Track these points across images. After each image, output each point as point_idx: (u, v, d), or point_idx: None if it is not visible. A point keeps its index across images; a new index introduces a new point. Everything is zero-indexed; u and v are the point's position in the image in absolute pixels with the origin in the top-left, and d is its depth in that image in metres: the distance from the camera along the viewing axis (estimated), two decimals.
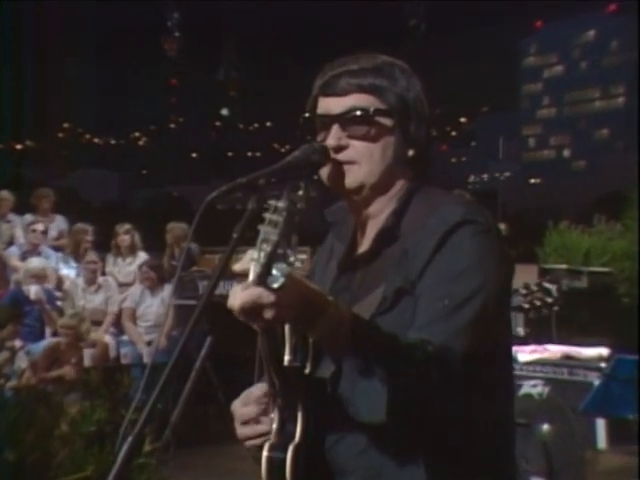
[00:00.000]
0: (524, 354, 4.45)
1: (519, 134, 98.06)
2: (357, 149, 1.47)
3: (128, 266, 7.12)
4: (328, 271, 1.59)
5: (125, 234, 7.15)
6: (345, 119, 1.47)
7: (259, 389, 1.47)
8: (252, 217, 1.26)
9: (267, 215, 1.19)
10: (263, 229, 1.18)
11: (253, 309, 1.21)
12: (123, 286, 6.95)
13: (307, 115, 1.52)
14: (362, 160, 1.47)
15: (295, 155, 1.42)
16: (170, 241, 7.21)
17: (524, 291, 4.34)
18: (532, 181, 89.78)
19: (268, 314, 1.21)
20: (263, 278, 1.16)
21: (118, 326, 6.60)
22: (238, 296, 1.20)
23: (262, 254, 1.16)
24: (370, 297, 1.43)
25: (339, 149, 1.47)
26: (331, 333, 1.27)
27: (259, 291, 1.18)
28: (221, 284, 1.30)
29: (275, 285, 1.15)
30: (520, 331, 4.48)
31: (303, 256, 6.16)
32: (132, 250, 7.13)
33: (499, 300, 1.41)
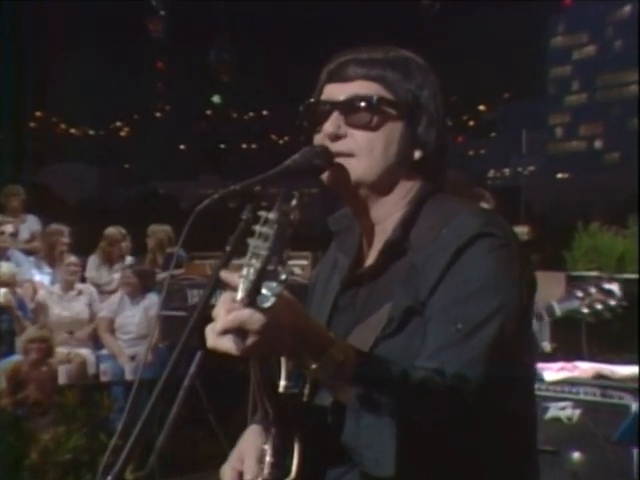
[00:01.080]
0: (551, 372, 4.42)
1: (545, 123, 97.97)
2: (357, 140, 1.49)
3: (113, 274, 7.13)
4: (330, 286, 1.60)
5: (120, 241, 7.15)
6: (346, 106, 1.49)
7: (249, 444, 1.45)
8: (247, 228, 1.27)
9: (257, 227, 1.19)
10: (252, 243, 1.18)
11: (237, 333, 1.21)
12: (104, 294, 6.96)
13: (311, 101, 1.54)
14: (361, 153, 1.48)
15: (295, 159, 1.43)
16: (152, 246, 7.22)
17: (580, 294, 4.28)
18: (559, 176, 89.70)
19: (250, 341, 1.21)
20: (251, 297, 1.16)
21: (97, 339, 6.60)
22: (221, 317, 1.20)
23: (251, 270, 1.16)
24: (375, 317, 1.44)
25: (336, 138, 1.49)
26: (332, 375, 1.28)
27: (246, 313, 1.18)
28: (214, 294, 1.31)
29: (265, 305, 1.16)
30: (546, 346, 4.45)
31: (303, 262, 6.17)
32: (122, 258, 7.14)
33: (519, 321, 1.41)
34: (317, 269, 1.73)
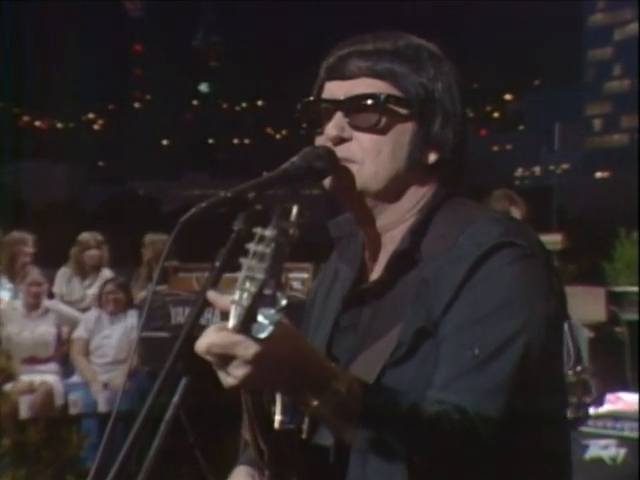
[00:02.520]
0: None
1: (581, 114, 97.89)
2: (362, 143, 1.50)
3: (87, 289, 7.13)
4: (331, 301, 1.60)
5: (96, 248, 7.13)
6: (350, 106, 1.50)
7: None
8: (239, 240, 1.28)
9: (251, 246, 1.20)
10: (247, 263, 1.18)
11: (222, 359, 1.22)
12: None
13: (310, 99, 1.55)
14: (366, 158, 1.49)
15: (294, 162, 1.43)
16: (149, 257, 7.21)
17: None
18: (598, 175, 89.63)
19: (240, 371, 1.22)
20: (246, 325, 1.16)
21: (66, 364, 6.60)
22: (209, 336, 1.21)
23: (245, 295, 1.16)
24: (382, 341, 1.44)
25: (340, 141, 1.50)
26: (334, 411, 1.28)
27: (236, 338, 1.19)
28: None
29: (261, 335, 1.16)
30: None
31: (304, 275, 6.16)
32: (98, 268, 7.13)
33: (547, 345, 1.41)
34: (316, 281, 1.73)
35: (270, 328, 1.16)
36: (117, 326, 6.53)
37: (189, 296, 5.82)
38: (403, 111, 1.50)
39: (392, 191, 1.50)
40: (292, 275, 5.67)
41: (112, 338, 6.52)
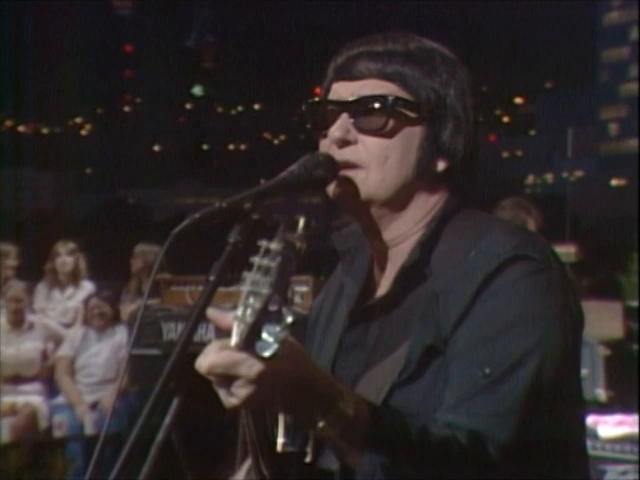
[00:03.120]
0: (607, 427, 4.37)
1: (596, 118, 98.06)
2: (368, 148, 1.51)
3: (67, 300, 7.13)
4: (336, 318, 1.61)
5: (68, 255, 7.14)
6: (356, 108, 1.51)
7: None
8: (235, 254, 1.28)
9: (256, 259, 1.20)
10: (251, 278, 1.19)
11: (225, 379, 1.22)
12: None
13: (316, 100, 1.57)
14: (372, 164, 1.50)
15: (293, 170, 1.44)
16: (137, 269, 7.21)
17: None
18: (614, 183, 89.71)
19: (243, 391, 1.22)
20: (250, 342, 1.16)
21: (51, 384, 6.59)
22: (210, 355, 1.21)
23: (249, 311, 1.16)
24: (390, 359, 1.45)
25: (345, 144, 1.51)
26: (340, 434, 1.29)
27: (239, 356, 1.19)
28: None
29: (266, 353, 1.16)
30: (601, 395, 4.43)
31: (303, 288, 6.16)
32: (75, 278, 7.13)
33: (562, 364, 1.42)
34: (320, 297, 1.74)
35: (275, 346, 1.15)
36: (105, 343, 6.52)
37: (182, 311, 5.80)
38: (412, 115, 1.51)
39: (399, 200, 1.51)
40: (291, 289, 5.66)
41: (100, 356, 6.51)
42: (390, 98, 1.50)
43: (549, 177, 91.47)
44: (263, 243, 1.22)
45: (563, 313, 1.43)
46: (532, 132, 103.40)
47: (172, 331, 5.78)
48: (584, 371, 4.15)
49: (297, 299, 5.71)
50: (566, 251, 5.58)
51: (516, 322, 1.39)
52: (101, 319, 6.52)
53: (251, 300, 1.17)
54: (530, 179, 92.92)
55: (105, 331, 6.54)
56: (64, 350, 6.56)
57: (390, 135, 1.51)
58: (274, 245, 1.21)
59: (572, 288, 1.48)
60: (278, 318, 1.16)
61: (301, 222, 1.27)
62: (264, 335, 1.16)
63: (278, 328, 1.15)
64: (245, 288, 1.19)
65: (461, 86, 1.55)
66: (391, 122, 1.51)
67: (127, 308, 6.92)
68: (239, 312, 1.17)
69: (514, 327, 1.38)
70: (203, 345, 1.27)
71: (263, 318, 1.16)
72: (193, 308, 1.30)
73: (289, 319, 1.16)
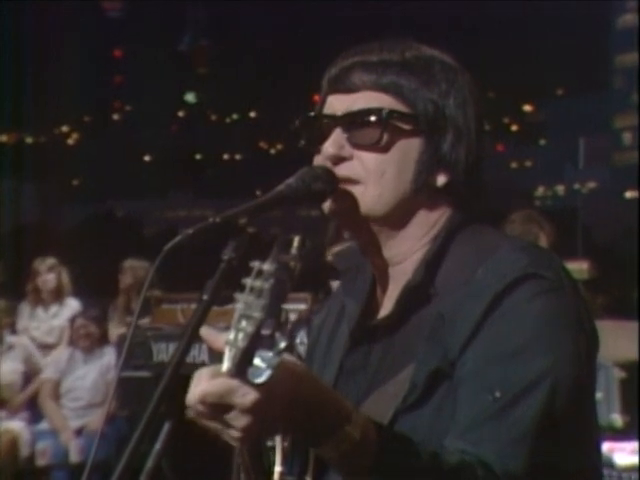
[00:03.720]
0: (623, 455, 4.36)
1: (609, 127, 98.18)
2: (364, 162, 1.52)
3: (52, 319, 7.13)
4: (337, 339, 1.62)
5: (48, 273, 7.16)
6: (350, 122, 1.53)
7: None
8: (229, 271, 1.28)
9: (248, 281, 1.20)
10: (243, 300, 1.20)
11: (218, 408, 1.21)
12: (45, 348, 6.95)
13: (311, 115, 1.58)
14: (369, 179, 1.51)
15: (290, 184, 1.45)
16: (126, 285, 7.22)
17: None
18: (628, 195, 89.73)
19: (239, 422, 1.22)
20: (242, 368, 1.17)
21: (33, 408, 6.58)
22: (202, 382, 1.21)
23: (241, 335, 1.17)
24: (393, 383, 1.46)
25: (339, 160, 1.52)
26: (344, 459, 1.28)
27: (233, 384, 1.19)
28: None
29: (259, 380, 1.16)
30: (616, 420, 4.41)
31: (301, 306, 6.17)
32: (58, 296, 7.15)
33: (576, 388, 1.42)
34: (320, 316, 1.74)
35: (268, 372, 1.16)
36: (92, 365, 6.51)
37: (173, 330, 5.80)
38: (408, 127, 1.52)
39: (399, 216, 1.52)
40: (288, 306, 5.65)
41: (86, 379, 6.50)
42: (385, 111, 1.52)
43: (560, 189, 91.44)
44: (255, 264, 1.22)
45: (577, 334, 1.43)
46: (542, 141, 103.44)
47: (163, 352, 5.77)
48: (599, 395, 4.14)
49: (294, 318, 5.71)
50: (579, 267, 5.57)
51: (527, 344, 1.39)
52: (87, 339, 6.52)
53: (243, 324, 1.18)
54: (540, 191, 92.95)
55: (92, 352, 6.53)
56: (49, 373, 6.55)
57: (386, 149, 1.52)
58: (267, 266, 1.22)
59: (586, 307, 1.49)
60: (271, 343, 1.17)
61: (296, 242, 1.28)
62: (256, 361, 1.17)
63: (271, 353, 1.16)
64: (237, 311, 1.19)
65: (462, 95, 1.55)
66: (386, 136, 1.52)
67: (115, 327, 6.92)
68: (231, 336, 1.18)
69: (525, 350, 1.39)
70: (196, 366, 1.27)
71: (256, 343, 1.16)
72: (186, 327, 1.30)
73: (282, 344, 1.17)
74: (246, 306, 1.19)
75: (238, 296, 1.21)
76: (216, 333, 1.26)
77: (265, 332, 1.17)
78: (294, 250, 1.27)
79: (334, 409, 1.29)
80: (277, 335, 1.17)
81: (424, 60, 1.56)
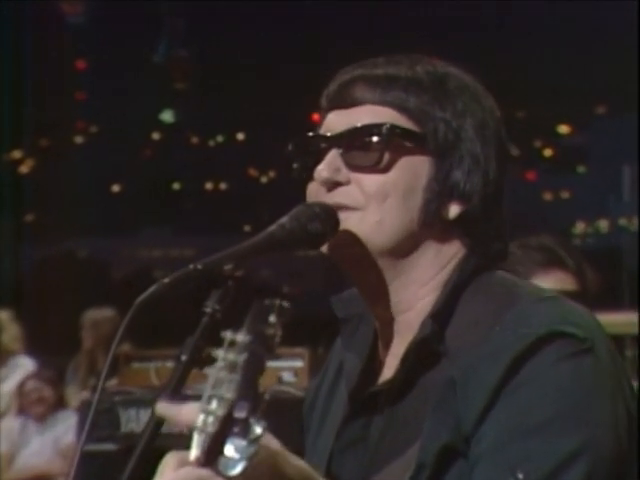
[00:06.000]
0: None
1: None
2: (363, 187, 1.53)
3: (2, 382, 7.10)
4: (335, 403, 1.61)
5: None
6: (347, 141, 1.54)
7: None
8: (212, 326, 1.28)
9: (220, 353, 1.20)
10: (214, 376, 1.20)
11: None
12: None
13: (309, 135, 1.59)
14: (369, 206, 1.52)
15: (283, 224, 1.45)
16: (90, 344, 7.17)
17: None
18: None
19: None
20: (212, 457, 1.17)
21: None
22: (167, 472, 1.23)
23: (210, 419, 1.17)
24: (398, 462, 1.45)
25: (334, 186, 1.53)
26: None
27: (201, 474, 1.20)
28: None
29: (231, 473, 1.16)
30: None
31: (297, 363, 6.14)
32: (7, 355, 7.11)
33: (615, 468, 1.40)
34: (318, 377, 1.74)
35: (242, 464, 1.16)
36: (46, 437, 6.46)
37: (146, 394, 5.72)
38: (415, 148, 1.53)
39: (403, 251, 1.52)
40: (282, 364, 5.63)
41: (42, 454, 6.45)
42: (386, 126, 1.52)
43: (603, 224, 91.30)
44: (227, 334, 1.22)
45: (614, 404, 1.42)
46: (581, 168, 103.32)
47: (133, 420, 5.68)
48: None
49: (290, 376, 5.69)
50: (625, 319, 5.50)
51: (555, 417, 1.38)
52: (41, 405, 6.46)
53: (213, 405, 1.18)
54: (579, 227, 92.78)
55: (46, 421, 6.47)
56: (2, 447, 6.48)
57: (387, 170, 1.53)
58: (241, 337, 1.22)
59: (624, 370, 1.47)
60: (245, 428, 1.16)
61: (275, 307, 1.26)
62: (228, 450, 1.16)
63: (245, 442, 1.16)
64: (206, 389, 1.19)
65: (481, 117, 1.56)
66: (388, 155, 1.52)
67: (75, 391, 6.87)
68: (199, 421, 1.18)
69: (552, 423, 1.37)
70: (173, 438, 1.27)
71: (227, 428, 1.16)
72: (161, 391, 1.30)
73: (257, 430, 1.16)
74: (216, 384, 1.19)
75: (209, 371, 1.21)
76: (176, 407, 1.26)
77: (239, 415, 1.16)
78: (272, 318, 1.25)
79: None
80: (251, 420, 1.16)
81: (437, 76, 1.57)
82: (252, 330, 1.22)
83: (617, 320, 3.49)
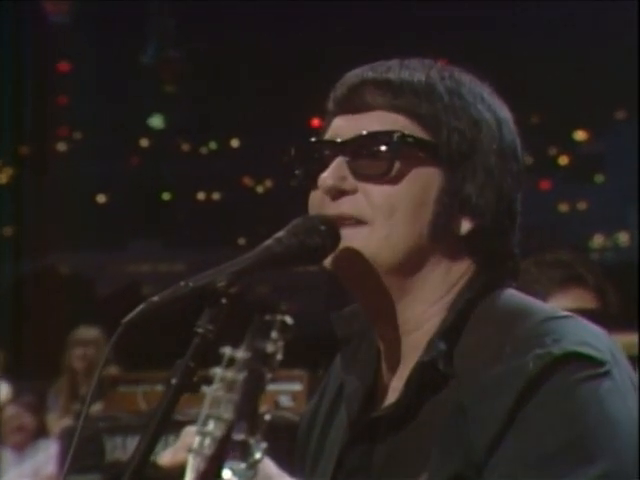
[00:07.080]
0: None
1: None
2: (370, 197, 1.54)
3: None
4: (334, 428, 1.62)
5: None
6: (354, 148, 1.55)
7: None
8: (204, 348, 1.28)
9: (217, 371, 1.20)
10: (211, 395, 1.21)
11: None
12: None
13: (313, 140, 1.62)
14: (376, 220, 1.53)
15: (280, 239, 1.45)
16: (71, 363, 7.15)
17: None
18: None
19: None
20: None
21: None
22: None
23: (207, 441, 1.17)
24: None
25: (340, 194, 1.54)
26: None
27: None
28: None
29: None
30: None
31: (296, 387, 6.14)
32: None
33: None
34: (314, 400, 1.75)
35: None
36: (26, 467, 6.44)
37: (133, 420, 5.73)
38: (426, 158, 1.54)
39: (411, 268, 1.53)
40: (279, 387, 5.63)
41: None
42: (397, 134, 1.54)
43: (622, 237, 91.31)
44: (227, 350, 1.22)
45: (634, 430, 1.42)
46: (599, 177, 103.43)
47: (119, 448, 5.67)
48: None
49: (287, 401, 5.69)
50: None
51: (573, 443, 1.38)
52: (20, 434, 6.45)
53: (210, 426, 1.19)
54: (597, 240, 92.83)
55: (25, 450, 6.46)
56: None
57: (396, 180, 1.54)
58: (240, 354, 1.23)
59: None
60: (243, 451, 1.17)
61: (277, 322, 1.26)
62: (226, 474, 1.17)
63: (244, 465, 1.17)
64: (203, 409, 1.19)
65: (496, 128, 1.57)
66: (398, 165, 1.54)
67: (56, 418, 6.85)
68: (195, 443, 1.18)
69: (571, 450, 1.38)
70: (162, 468, 1.27)
71: (225, 450, 1.17)
72: (150, 418, 1.30)
73: (257, 455, 1.18)
74: (214, 404, 1.20)
75: (206, 389, 1.21)
76: (171, 451, 1.26)
77: (237, 437, 1.17)
78: (273, 334, 1.26)
79: None
80: (251, 442, 1.17)
81: (452, 83, 1.58)
82: (252, 347, 1.23)
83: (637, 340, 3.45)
